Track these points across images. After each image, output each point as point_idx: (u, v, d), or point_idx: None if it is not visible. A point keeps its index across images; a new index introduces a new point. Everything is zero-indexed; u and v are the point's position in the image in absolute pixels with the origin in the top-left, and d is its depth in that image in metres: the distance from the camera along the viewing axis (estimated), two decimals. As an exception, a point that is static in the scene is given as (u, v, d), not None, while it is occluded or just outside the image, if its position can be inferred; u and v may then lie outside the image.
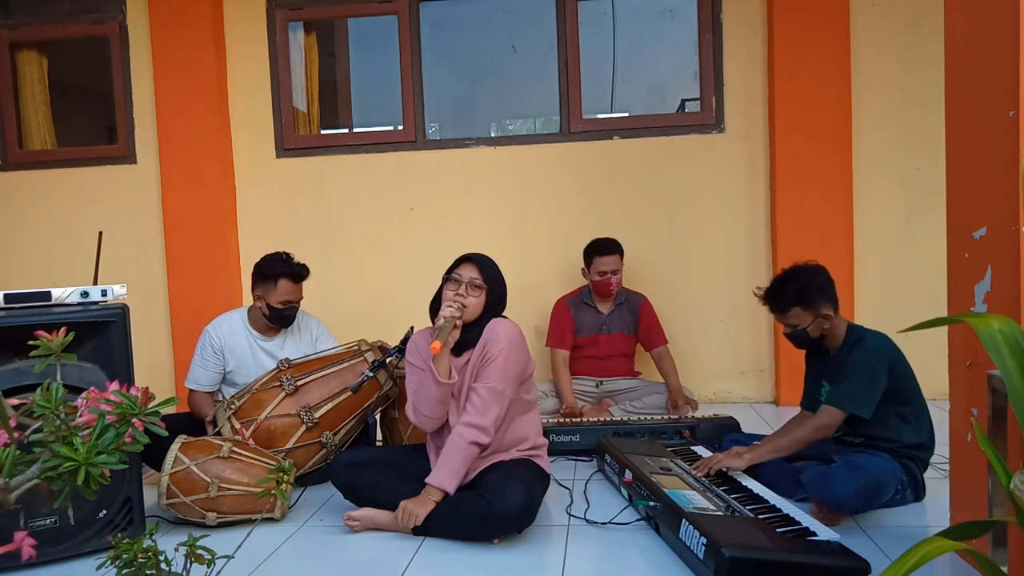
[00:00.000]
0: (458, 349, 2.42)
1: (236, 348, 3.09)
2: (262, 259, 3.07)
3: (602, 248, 3.71)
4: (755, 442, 2.62)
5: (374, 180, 4.30)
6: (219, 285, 4.19)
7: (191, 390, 3.09)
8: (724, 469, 2.51)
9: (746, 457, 2.48)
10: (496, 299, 2.45)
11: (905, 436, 2.41)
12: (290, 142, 4.33)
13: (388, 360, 2.90)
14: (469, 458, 2.34)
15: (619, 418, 3.47)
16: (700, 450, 2.90)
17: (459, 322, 2.35)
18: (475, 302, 2.38)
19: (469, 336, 2.40)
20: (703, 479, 2.48)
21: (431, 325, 2.46)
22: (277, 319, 3.06)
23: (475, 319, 2.40)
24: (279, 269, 3.00)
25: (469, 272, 2.40)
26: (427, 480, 2.32)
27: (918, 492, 2.45)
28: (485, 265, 2.43)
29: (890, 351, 2.41)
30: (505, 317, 2.48)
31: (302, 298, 3.10)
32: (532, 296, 4.11)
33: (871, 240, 3.99)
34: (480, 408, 2.32)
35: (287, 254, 3.07)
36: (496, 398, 2.32)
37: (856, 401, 2.35)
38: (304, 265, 3.07)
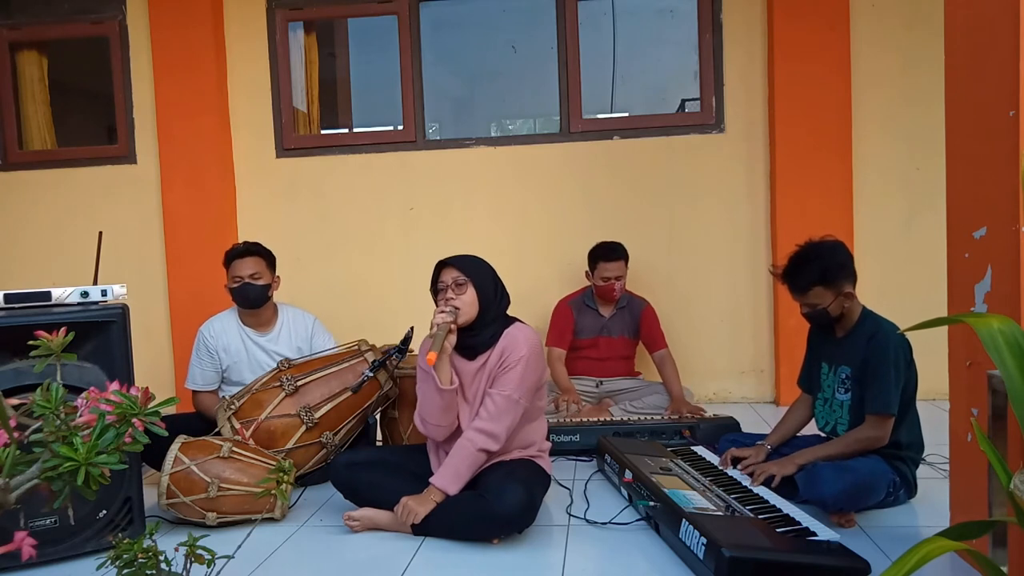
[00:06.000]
0: (471, 352, 2.39)
1: (231, 346, 3.11)
2: None
3: (606, 254, 3.67)
4: (761, 443, 2.62)
5: (374, 180, 4.29)
6: (219, 285, 4.15)
7: (193, 391, 3.11)
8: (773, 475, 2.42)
9: (797, 463, 2.39)
10: (490, 291, 2.38)
11: (898, 434, 2.39)
12: (290, 142, 4.33)
13: (388, 360, 2.90)
14: (476, 464, 2.33)
15: (619, 418, 3.47)
16: (700, 450, 2.90)
17: (454, 326, 2.32)
18: (467, 299, 2.34)
19: (480, 339, 2.37)
20: (703, 479, 2.48)
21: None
22: (239, 299, 3.08)
23: (479, 318, 2.36)
24: (228, 255, 3.10)
25: (449, 274, 2.37)
26: (431, 480, 2.32)
27: (911, 491, 2.44)
28: (462, 262, 2.39)
29: (906, 346, 2.37)
30: (522, 322, 2.45)
31: (263, 276, 3.05)
32: (531, 295, 4.10)
33: (871, 240, 3.99)
34: (494, 415, 2.31)
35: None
36: (511, 407, 2.31)
37: (894, 401, 2.31)
38: (250, 242, 3.14)
